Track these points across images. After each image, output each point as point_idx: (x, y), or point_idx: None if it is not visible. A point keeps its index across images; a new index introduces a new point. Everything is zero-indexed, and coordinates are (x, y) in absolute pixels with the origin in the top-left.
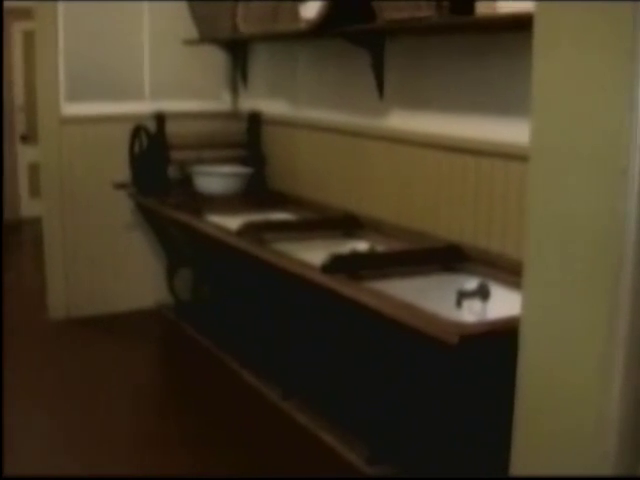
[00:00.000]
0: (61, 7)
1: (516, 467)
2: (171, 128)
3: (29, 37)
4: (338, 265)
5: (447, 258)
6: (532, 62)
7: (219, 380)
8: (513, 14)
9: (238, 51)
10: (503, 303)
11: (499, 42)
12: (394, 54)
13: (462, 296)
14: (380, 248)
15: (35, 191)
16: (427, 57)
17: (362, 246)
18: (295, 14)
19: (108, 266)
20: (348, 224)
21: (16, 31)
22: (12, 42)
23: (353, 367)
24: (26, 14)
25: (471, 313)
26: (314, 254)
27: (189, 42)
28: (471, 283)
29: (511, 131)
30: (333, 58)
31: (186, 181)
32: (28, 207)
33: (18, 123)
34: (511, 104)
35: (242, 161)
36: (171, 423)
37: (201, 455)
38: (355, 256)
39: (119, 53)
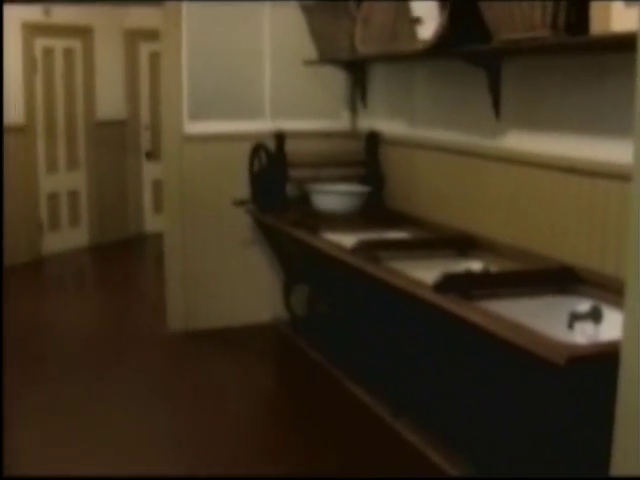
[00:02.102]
0: (185, 28)
1: None
2: (290, 147)
3: (155, 58)
4: (450, 284)
5: (560, 280)
6: None
7: (331, 395)
8: (627, 33)
9: (357, 71)
10: (616, 326)
11: (616, 61)
12: (510, 74)
13: (574, 318)
14: (494, 268)
15: (158, 207)
16: (543, 77)
17: (476, 266)
18: (413, 34)
19: (226, 281)
20: (463, 244)
21: (143, 52)
22: (139, 63)
23: (463, 386)
24: (152, 36)
25: (583, 336)
26: (428, 273)
27: (309, 62)
28: (584, 305)
29: (628, 153)
30: (450, 78)
31: (304, 199)
32: (152, 222)
33: (144, 141)
34: (629, 125)
35: (360, 180)
36: (282, 436)
37: (308, 468)
38: (467, 276)
39: (240, 73)
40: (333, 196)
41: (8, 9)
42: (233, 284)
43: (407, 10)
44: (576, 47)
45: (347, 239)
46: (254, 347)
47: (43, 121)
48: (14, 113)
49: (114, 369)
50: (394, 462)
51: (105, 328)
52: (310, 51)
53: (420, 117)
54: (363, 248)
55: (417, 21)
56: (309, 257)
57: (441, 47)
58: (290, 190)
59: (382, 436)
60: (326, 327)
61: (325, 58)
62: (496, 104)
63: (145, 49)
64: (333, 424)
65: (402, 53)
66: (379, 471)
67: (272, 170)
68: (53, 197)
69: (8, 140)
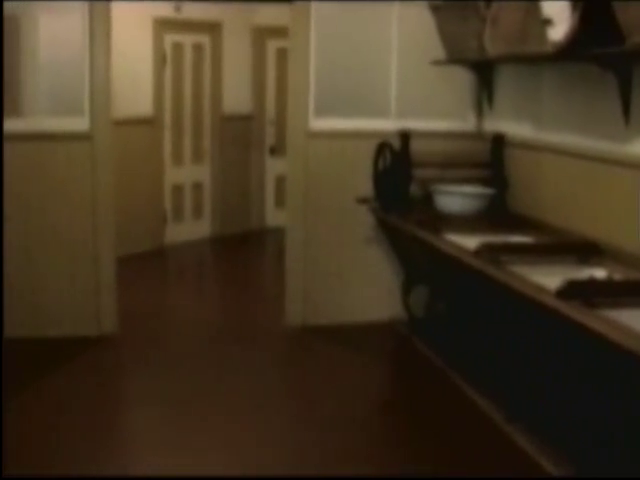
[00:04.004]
0: (314, 27)
1: None
2: (415, 146)
3: (282, 54)
4: (573, 291)
5: None
6: None
7: (445, 397)
8: None
9: (484, 72)
10: None
11: None
12: None
13: None
14: (617, 276)
15: (280, 202)
16: None
17: (599, 273)
18: (543, 36)
19: (345, 278)
20: (586, 250)
21: (270, 48)
22: (266, 59)
23: (580, 395)
24: (280, 32)
25: None
26: (550, 278)
27: (436, 62)
28: None
29: None
30: (579, 81)
31: (427, 199)
32: (273, 217)
33: (268, 136)
34: None
35: (484, 182)
36: (394, 436)
37: (418, 466)
38: (591, 283)
39: (367, 71)
40: (457, 197)
41: (140, 5)
42: (352, 281)
43: (537, 10)
44: None
45: (469, 241)
46: (370, 346)
47: (171, 114)
48: (143, 106)
49: (230, 361)
50: (504, 467)
51: (223, 319)
52: (437, 51)
53: (547, 120)
54: (486, 251)
55: (548, 22)
56: (430, 258)
57: (572, 50)
58: (413, 190)
59: (494, 440)
60: (444, 329)
61: (453, 58)
62: (626, 110)
63: (272, 45)
64: (446, 426)
65: (532, 55)
66: (488, 475)
67: (396, 169)
68: (178, 189)
69: (137, 132)
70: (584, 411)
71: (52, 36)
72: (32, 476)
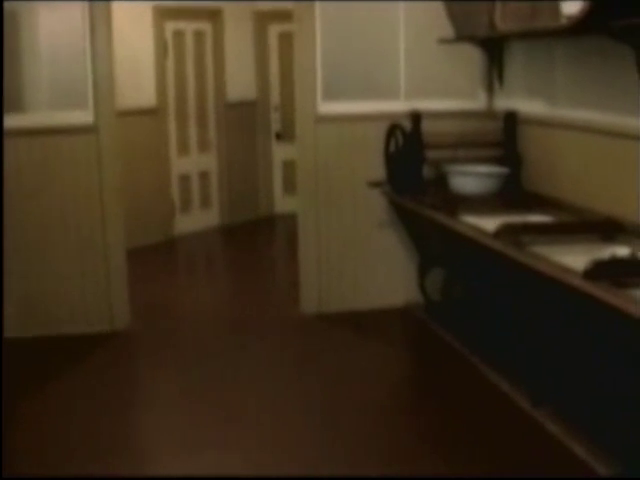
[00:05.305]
0: (318, 9)
1: None
2: (426, 127)
3: (284, 38)
4: (601, 271)
5: None
6: None
7: (467, 382)
8: None
9: (494, 49)
10: None
11: None
12: None
13: None
14: None
15: (288, 188)
16: None
17: (622, 251)
18: (555, 10)
19: (360, 263)
20: (608, 228)
21: (272, 33)
22: (269, 44)
23: (609, 377)
24: (281, 17)
25: None
26: (573, 258)
27: (444, 41)
28: None
29: None
30: (594, 56)
31: (440, 180)
32: (282, 203)
33: (273, 121)
34: None
35: (497, 161)
36: (416, 422)
37: (444, 456)
38: (618, 262)
39: (375, 53)
40: (471, 178)
41: None
42: (367, 267)
43: None
44: None
45: (487, 222)
46: (387, 331)
47: (174, 103)
48: (146, 96)
49: (245, 352)
50: (533, 454)
51: (237, 310)
52: (445, 29)
53: (561, 96)
54: (506, 232)
55: None
56: (446, 240)
57: (586, 23)
58: (426, 171)
59: (521, 426)
60: (461, 312)
61: (462, 36)
62: None
63: (274, 30)
64: (468, 412)
65: (547, 30)
66: (517, 464)
67: (408, 151)
68: (184, 179)
69: (141, 122)
70: (614, 393)
71: (52, 29)
72: (32, 476)
